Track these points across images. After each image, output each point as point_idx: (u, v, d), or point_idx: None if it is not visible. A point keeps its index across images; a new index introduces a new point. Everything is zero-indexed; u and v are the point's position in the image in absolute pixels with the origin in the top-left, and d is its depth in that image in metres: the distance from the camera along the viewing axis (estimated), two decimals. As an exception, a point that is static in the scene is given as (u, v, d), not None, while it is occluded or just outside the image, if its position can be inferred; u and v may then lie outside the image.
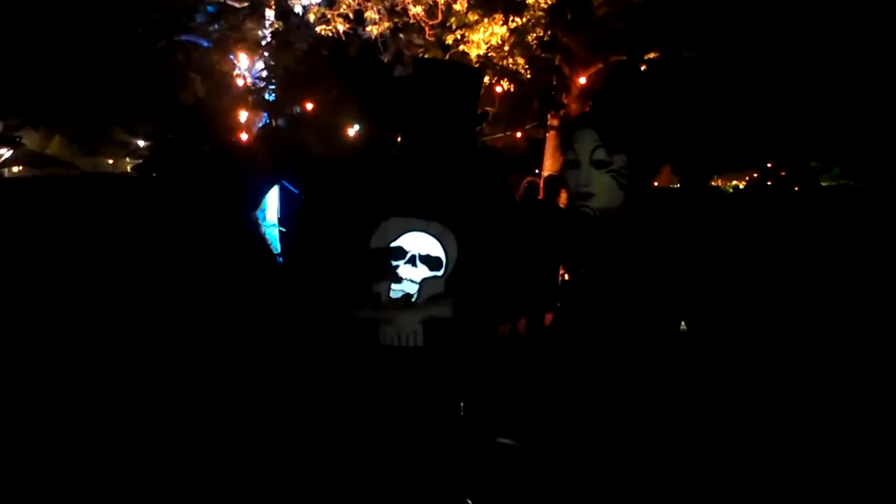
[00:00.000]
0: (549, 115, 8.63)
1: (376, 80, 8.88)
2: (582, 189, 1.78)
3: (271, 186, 8.47)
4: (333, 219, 2.05)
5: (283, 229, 9.65)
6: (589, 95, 8.70)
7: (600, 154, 1.76)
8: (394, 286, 1.94)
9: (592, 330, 1.75)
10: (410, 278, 1.94)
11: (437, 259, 1.94)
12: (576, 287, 1.83)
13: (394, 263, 1.94)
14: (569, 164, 1.82)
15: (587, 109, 1.85)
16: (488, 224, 1.97)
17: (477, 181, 2.04)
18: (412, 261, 1.94)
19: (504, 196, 2.08)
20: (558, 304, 1.87)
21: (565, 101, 8.41)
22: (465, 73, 1.98)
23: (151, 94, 10.11)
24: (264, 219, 9.88)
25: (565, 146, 1.83)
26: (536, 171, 9.46)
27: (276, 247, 9.72)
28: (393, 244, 1.95)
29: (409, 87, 1.93)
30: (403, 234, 1.96)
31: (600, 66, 8.51)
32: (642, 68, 8.43)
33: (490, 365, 1.96)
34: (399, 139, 2.02)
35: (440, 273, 1.94)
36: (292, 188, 9.82)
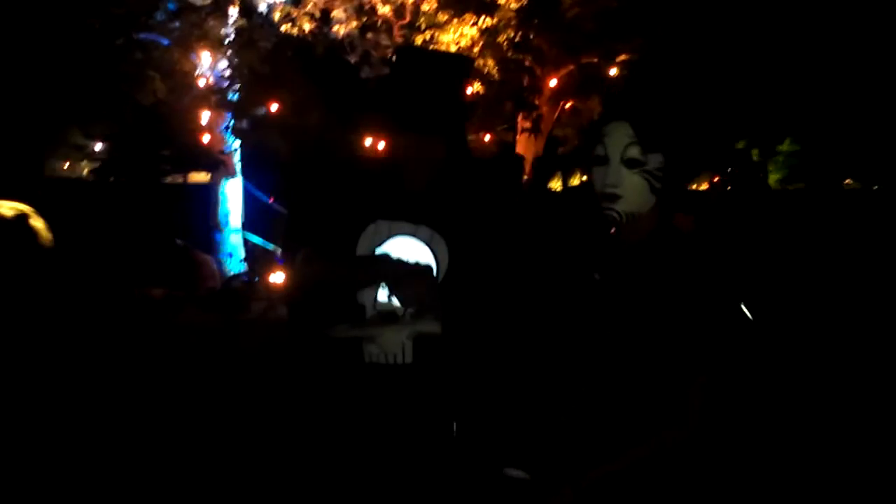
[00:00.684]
0: (520, 117, 8.50)
1: (343, 81, 8.66)
2: (609, 189, 1.57)
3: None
4: (316, 222, 1.85)
5: (248, 234, 9.39)
6: (560, 97, 8.62)
7: (634, 152, 1.55)
8: (380, 297, 1.75)
9: (609, 350, 1.56)
10: (399, 288, 1.75)
11: (427, 267, 1.75)
12: (588, 295, 1.64)
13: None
14: (596, 160, 1.60)
15: (617, 99, 1.62)
16: (482, 228, 1.79)
17: (469, 180, 1.86)
18: (400, 268, 1.75)
19: (500, 197, 1.90)
20: (564, 313, 1.66)
21: (537, 102, 8.28)
22: (452, 62, 1.78)
23: (109, 94, 9.76)
24: (227, 223, 9.60)
25: (592, 140, 1.62)
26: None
27: (240, 252, 9.46)
28: (379, 250, 1.76)
29: (394, 78, 1.74)
30: (390, 238, 1.77)
31: (572, 67, 8.42)
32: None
33: (489, 382, 1.78)
34: (378, 137, 1.84)
35: None
36: (257, 192, 9.56)
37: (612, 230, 1.64)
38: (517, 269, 1.77)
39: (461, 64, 1.79)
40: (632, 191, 1.56)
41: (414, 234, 1.76)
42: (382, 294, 1.74)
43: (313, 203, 2.02)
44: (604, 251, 1.66)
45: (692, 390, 1.50)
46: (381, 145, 1.87)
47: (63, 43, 8.71)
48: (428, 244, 1.75)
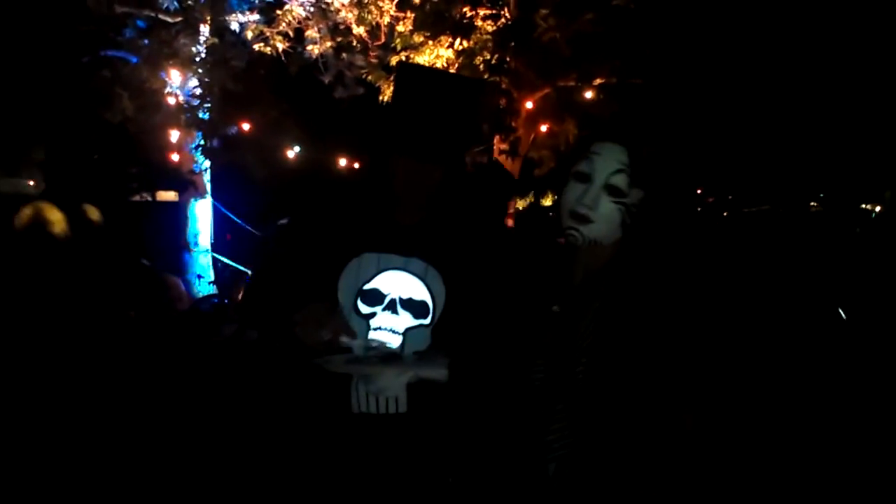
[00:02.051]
0: (496, 139, 8.43)
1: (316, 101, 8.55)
2: (582, 210, 1.49)
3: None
4: (293, 256, 1.71)
5: (217, 255, 9.18)
6: (537, 119, 8.57)
7: (619, 180, 1.47)
8: (371, 339, 1.61)
9: (579, 390, 1.48)
10: (392, 328, 1.61)
11: (423, 304, 1.61)
12: (548, 329, 1.55)
13: (370, 310, 1.62)
14: (577, 176, 1.52)
15: (618, 120, 1.56)
16: (481, 261, 1.67)
17: (466, 209, 1.74)
18: (392, 306, 1.61)
19: (499, 226, 1.79)
20: (527, 349, 1.57)
21: (514, 125, 8.23)
22: (462, 84, 1.65)
23: (75, 112, 9.53)
24: (196, 244, 9.38)
25: (578, 153, 1.54)
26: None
27: (209, 274, 9.25)
28: (367, 286, 1.63)
29: (398, 96, 1.61)
30: (379, 273, 1.63)
31: (548, 90, 8.40)
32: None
33: (483, 431, 1.65)
34: (361, 160, 1.71)
35: (427, 321, 1.62)
36: (228, 212, 9.37)
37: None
38: (519, 308, 1.64)
39: (472, 88, 1.64)
40: (604, 218, 1.49)
41: (405, 268, 1.63)
42: (378, 335, 1.60)
43: (290, 231, 1.89)
44: (561, 282, 1.58)
45: (681, 433, 1.43)
46: (369, 169, 1.72)
47: (28, 60, 8.49)
48: (422, 279, 1.63)
